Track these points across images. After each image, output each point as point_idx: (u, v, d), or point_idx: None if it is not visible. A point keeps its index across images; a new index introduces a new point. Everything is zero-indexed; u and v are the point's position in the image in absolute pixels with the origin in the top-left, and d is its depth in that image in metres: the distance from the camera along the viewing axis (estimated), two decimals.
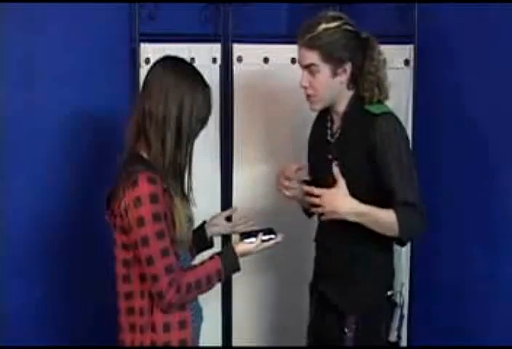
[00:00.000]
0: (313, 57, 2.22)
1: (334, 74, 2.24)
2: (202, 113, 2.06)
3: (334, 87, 2.26)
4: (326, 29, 2.20)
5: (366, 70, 2.26)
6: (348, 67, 2.24)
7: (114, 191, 2.03)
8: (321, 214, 2.26)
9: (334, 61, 2.22)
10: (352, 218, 2.19)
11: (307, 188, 2.25)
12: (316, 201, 2.21)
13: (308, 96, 2.29)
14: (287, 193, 2.36)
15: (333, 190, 2.20)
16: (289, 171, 2.34)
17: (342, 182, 2.20)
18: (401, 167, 2.20)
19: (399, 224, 2.17)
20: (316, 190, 2.21)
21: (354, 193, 2.21)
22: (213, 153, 2.93)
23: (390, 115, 2.25)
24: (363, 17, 2.80)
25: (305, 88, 2.28)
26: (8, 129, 2.77)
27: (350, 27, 2.24)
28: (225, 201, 2.94)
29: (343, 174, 2.24)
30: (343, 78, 2.25)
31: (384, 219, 2.19)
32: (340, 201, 2.19)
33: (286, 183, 2.34)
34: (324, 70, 2.23)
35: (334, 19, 2.23)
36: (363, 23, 2.33)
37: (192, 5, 2.94)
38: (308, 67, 2.24)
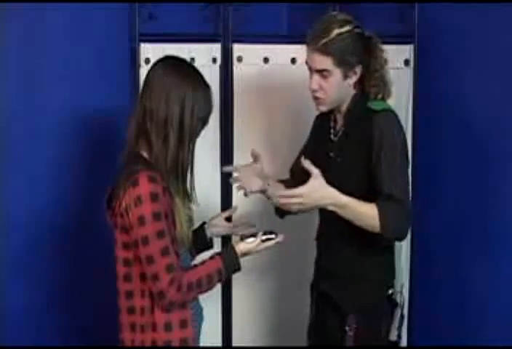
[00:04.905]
0: (326, 62, 2.22)
1: (345, 77, 2.25)
2: (203, 112, 2.06)
3: (343, 89, 2.27)
4: (339, 34, 2.20)
5: (372, 69, 2.28)
6: (358, 69, 2.25)
7: (115, 191, 2.03)
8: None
9: (347, 65, 2.22)
10: (332, 208, 2.14)
11: (288, 192, 2.14)
12: (299, 200, 2.12)
13: (316, 98, 2.29)
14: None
15: (314, 185, 2.11)
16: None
17: (316, 172, 2.12)
18: (393, 162, 2.18)
19: (380, 217, 2.12)
20: (298, 190, 2.11)
21: (354, 192, 2.21)
22: (213, 152, 2.92)
23: (390, 112, 2.27)
24: (363, 17, 2.79)
25: (315, 91, 2.28)
26: (8, 128, 2.77)
27: (359, 30, 2.24)
28: (225, 201, 2.94)
29: (343, 174, 2.24)
30: (353, 80, 2.27)
31: (365, 212, 2.14)
32: (321, 193, 2.12)
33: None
34: (336, 74, 2.23)
35: (345, 22, 2.23)
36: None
37: (192, 5, 2.94)
38: (319, 72, 2.25)
